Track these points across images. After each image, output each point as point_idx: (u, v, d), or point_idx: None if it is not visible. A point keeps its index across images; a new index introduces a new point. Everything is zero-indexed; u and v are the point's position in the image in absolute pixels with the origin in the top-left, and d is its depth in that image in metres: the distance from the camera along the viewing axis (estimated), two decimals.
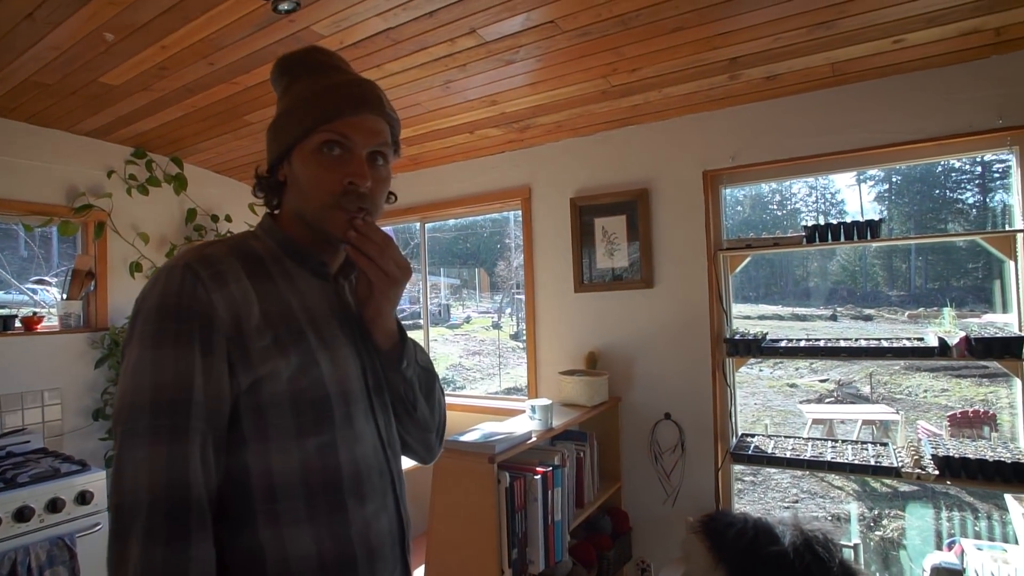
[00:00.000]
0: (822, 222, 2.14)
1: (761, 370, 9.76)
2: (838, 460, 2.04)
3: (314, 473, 0.74)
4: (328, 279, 0.88)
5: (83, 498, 2.14)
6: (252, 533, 0.70)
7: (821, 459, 2.06)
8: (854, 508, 4.79)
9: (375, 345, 0.87)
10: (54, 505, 2.05)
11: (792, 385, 9.18)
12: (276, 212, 0.89)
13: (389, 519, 0.82)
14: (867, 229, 2.09)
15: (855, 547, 2.05)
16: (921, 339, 2.05)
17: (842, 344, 2.14)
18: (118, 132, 2.82)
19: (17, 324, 2.59)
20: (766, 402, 8.36)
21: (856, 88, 2.11)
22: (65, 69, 2.12)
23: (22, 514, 1.96)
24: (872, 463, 1.99)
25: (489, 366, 8.96)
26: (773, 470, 5.56)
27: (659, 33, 1.85)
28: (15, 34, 1.86)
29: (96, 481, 2.20)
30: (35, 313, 2.69)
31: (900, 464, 1.95)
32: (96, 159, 2.89)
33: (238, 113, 2.55)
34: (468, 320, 10.36)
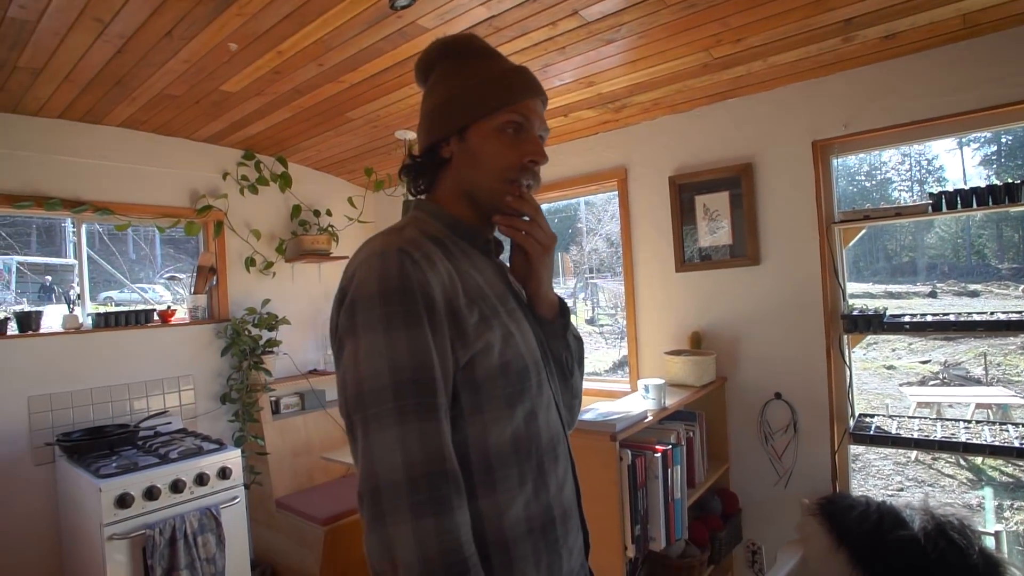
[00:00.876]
0: (914, 193, 1.99)
1: (854, 351, 9.23)
2: (974, 442, 1.92)
3: (522, 441, 0.77)
4: (493, 257, 0.92)
5: (224, 473, 2.34)
6: (473, 503, 0.73)
7: (955, 440, 1.95)
8: (989, 493, 4.47)
9: (540, 316, 0.91)
10: (201, 479, 2.26)
11: (889, 367, 8.62)
12: (423, 195, 0.91)
13: (570, 481, 0.86)
14: (1004, 194, 1.93)
15: (996, 535, 1.92)
16: None
17: (976, 318, 1.99)
18: (231, 136, 3.03)
19: (155, 317, 2.85)
20: (860, 384, 7.89)
21: (991, 40, 1.94)
22: (192, 80, 2.30)
23: (176, 486, 2.18)
24: (1017, 444, 1.85)
25: None
26: (874, 456, 5.29)
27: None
28: (155, 51, 2.03)
29: (233, 459, 2.41)
30: (169, 307, 2.95)
31: None
32: (212, 163, 3.12)
33: (341, 111, 2.67)
34: None
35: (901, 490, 4.85)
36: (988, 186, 1.94)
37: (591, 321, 10.04)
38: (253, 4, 1.77)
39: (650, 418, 1.91)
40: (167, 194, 2.94)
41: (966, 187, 1.97)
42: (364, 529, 0.67)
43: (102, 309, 2.94)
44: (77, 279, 2.74)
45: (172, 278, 3.30)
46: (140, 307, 2.92)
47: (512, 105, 0.83)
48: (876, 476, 5.12)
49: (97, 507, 2.01)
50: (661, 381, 2.03)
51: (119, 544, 2.02)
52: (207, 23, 1.87)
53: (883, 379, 8.24)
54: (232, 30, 1.93)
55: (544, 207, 3.47)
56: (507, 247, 0.95)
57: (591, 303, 10.33)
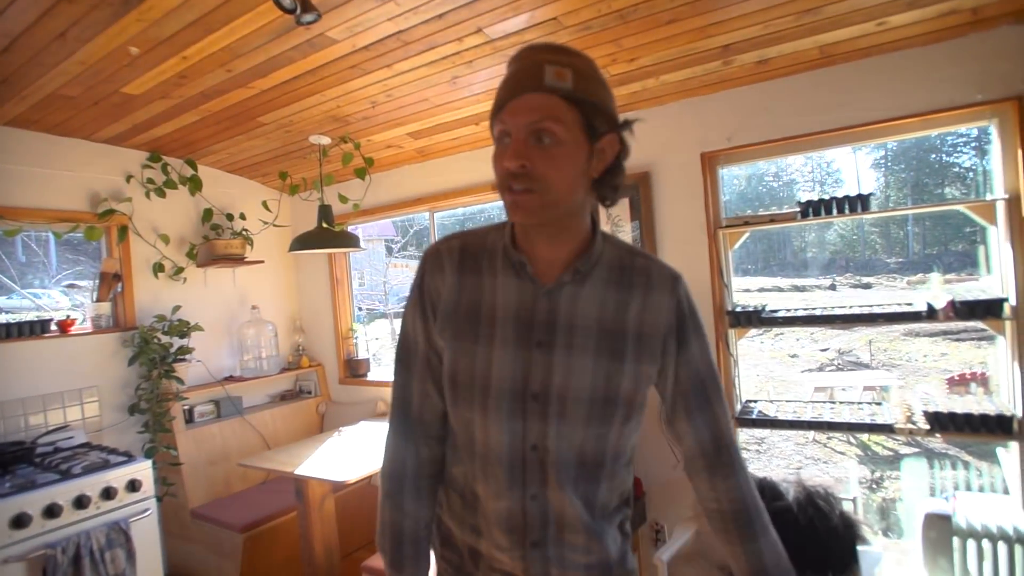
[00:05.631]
0: (817, 195, 2.24)
1: (763, 342, 9.91)
2: (835, 420, 2.18)
3: (460, 428, 0.98)
4: (525, 279, 0.90)
5: (133, 486, 2.29)
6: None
7: (820, 419, 2.21)
8: (852, 465, 4.99)
9: None
10: (108, 493, 2.20)
11: (793, 356, 9.33)
12: None
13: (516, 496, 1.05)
14: (859, 202, 2.20)
15: (854, 500, 2.20)
16: (910, 304, 2.18)
17: (836, 312, 2.27)
18: (134, 138, 2.92)
19: (53, 327, 2.72)
20: (768, 372, 8.51)
21: (843, 69, 2.21)
22: (89, 82, 2.22)
23: (80, 502, 2.11)
24: (868, 421, 2.13)
25: None
26: (777, 438, 5.78)
27: (655, 25, 1.95)
28: (46, 52, 1.96)
29: (142, 470, 2.35)
30: (68, 315, 2.81)
31: (893, 421, 2.09)
32: (114, 165, 2.99)
33: (252, 115, 2.65)
34: None
35: (800, 468, 5.34)
36: (845, 196, 2.22)
37: None
38: (154, 11, 1.76)
39: None
40: (63, 197, 2.80)
41: (828, 196, 2.24)
42: None
43: None
44: None
45: (71, 286, 3.14)
46: (33, 315, 2.77)
47: (498, 115, 0.83)
48: (779, 457, 5.61)
49: None
50: None
51: (15, 567, 1.95)
52: (104, 27, 1.83)
53: (788, 367, 8.90)
54: (132, 35, 1.90)
55: (451, 213, 3.55)
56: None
57: None
